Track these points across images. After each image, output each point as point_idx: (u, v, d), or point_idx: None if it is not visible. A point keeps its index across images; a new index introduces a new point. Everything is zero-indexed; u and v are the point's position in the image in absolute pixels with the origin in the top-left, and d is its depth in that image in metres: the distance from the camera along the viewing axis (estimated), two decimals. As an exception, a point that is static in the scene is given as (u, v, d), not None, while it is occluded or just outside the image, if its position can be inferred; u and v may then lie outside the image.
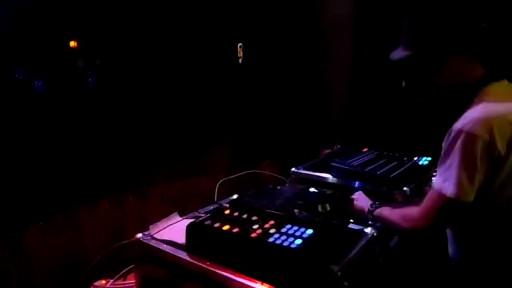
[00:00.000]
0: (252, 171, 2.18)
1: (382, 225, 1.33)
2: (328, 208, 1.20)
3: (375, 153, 2.04)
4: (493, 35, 1.20)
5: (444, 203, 1.08)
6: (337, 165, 1.81)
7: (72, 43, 1.53)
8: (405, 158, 1.95)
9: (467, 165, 1.03)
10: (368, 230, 1.30)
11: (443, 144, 1.11)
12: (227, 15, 2.11)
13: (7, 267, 1.29)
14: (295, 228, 1.10)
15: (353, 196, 1.41)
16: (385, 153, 2.04)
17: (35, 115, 1.37)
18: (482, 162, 1.02)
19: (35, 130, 1.37)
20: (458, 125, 1.06)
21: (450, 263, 1.29)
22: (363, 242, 1.24)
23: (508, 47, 1.70)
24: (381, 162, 1.87)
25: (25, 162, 1.35)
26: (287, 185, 1.55)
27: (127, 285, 1.38)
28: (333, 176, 1.81)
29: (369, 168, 1.77)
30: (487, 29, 1.17)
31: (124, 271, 1.43)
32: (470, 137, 1.03)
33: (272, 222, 1.14)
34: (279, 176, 2.21)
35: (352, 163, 1.83)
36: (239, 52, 2.33)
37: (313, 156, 2.29)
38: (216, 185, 1.99)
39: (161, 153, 1.83)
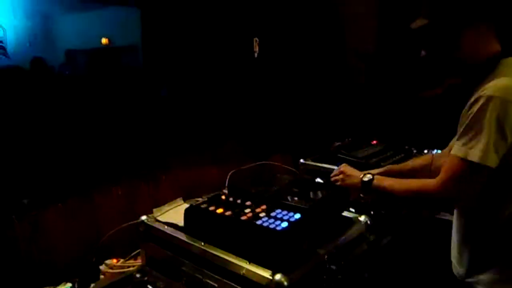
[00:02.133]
0: (263, 162, 2.24)
1: (379, 198, 1.32)
2: (320, 195, 1.24)
3: (383, 145, 2.04)
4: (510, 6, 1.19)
5: (468, 169, 1.05)
6: (343, 156, 1.84)
7: (104, 41, 1.65)
8: (414, 151, 1.95)
9: (498, 130, 1.01)
10: (362, 218, 1.34)
11: (466, 113, 1.08)
12: (244, 10, 2.18)
13: (29, 244, 1.43)
14: (284, 212, 1.15)
15: (339, 168, 1.41)
16: (394, 145, 2.04)
17: (59, 104, 1.50)
18: (510, 128, 1.01)
19: (59, 120, 1.50)
20: (486, 91, 1.03)
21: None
22: (355, 229, 1.28)
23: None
24: (387, 154, 1.88)
25: (47, 149, 1.48)
26: (286, 175, 1.59)
27: (136, 264, 1.49)
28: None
29: (374, 159, 1.79)
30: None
31: (135, 252, 1.54)
32: (503, 103, 1.01)
33: (264, 207, 1.20)
34: (290, 168, 2.26)
35: (357, 155, 1.86)
36: (255, 47, 2.39)
37: (326, 149, 2.32)
38: (227, 175, 2.07)
39: (176, 145, 1.93)
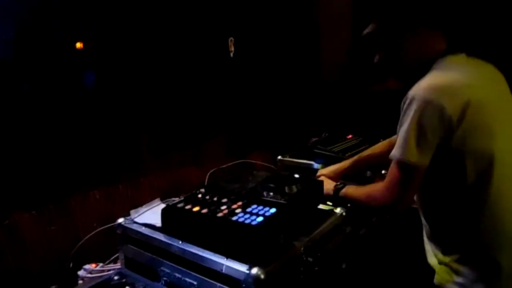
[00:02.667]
0: (242, 160, 2.26)
1: (352, 204, 1.38)
2: (295, 190, 1.26)
3: (359, 139, 2.08)
4: (456, 7, 1.23)
5: (401, 170, 1.11)
6: (319, 151, 1.87)
7: (78, 45, 1.63)
8: (389, 143, 1.99)
9: (418, 130, 1.05)
10: (337, 210, 1.37)
11: (401, 111, 1.13)
12: (219, 10, 2.18)
13: (4, 253, 1.40)
14: (260, 208, 1.17)
15: (316, 176, 1.47)
16: (369, 139, 2.08)
17: (32, 111, 1.47)
18: (433, 127, 1.04)
19: (31, 124, 1.48)
20: (411, 92, 1.08)
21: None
22: (330, 221, 1.31)
23: (471, 20, 1.71)
24: (363, 147, 1.92)
25: (20, 154, 1.45)
26: (262, 172, 1.61)
27: (116, 268, 1.48)
28: (316, 163, 1.88)
29: (349, 153, 1.83)
30: (450, 1, 1.20)
31: (114, 256, 1.53)
32: (421, 102, 1.05)
33: (240, 203, 1.21)
34: (269, 165, 2.28)
35: (333, 149, 1.89)
36: (230, 46, 2.40)
37: (304, 144, 2.35)
38: (207, 174, 2.08)
39: (154, 144, 1.92)
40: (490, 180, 1.08)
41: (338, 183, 1.43)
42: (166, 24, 1.91)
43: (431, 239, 1.25)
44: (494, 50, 1.37)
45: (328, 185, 1.42)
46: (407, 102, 1.09)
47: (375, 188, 1.26)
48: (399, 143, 1.11)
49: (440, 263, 1.20)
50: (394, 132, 1.21)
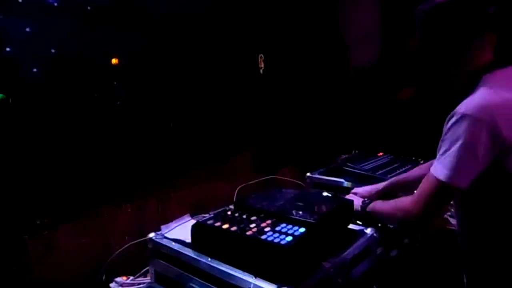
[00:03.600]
0: (271, 176, 2.26)
1: (380, 221, 1.35)
2: (325, 209, 1.25)
3: (390, 157, 2.04)
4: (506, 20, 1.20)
5: (437, 187, 1.07)
6: (349, 169, 1.85)
7: (114, 61, 1.71)
8: (421, 161, 1.94)
9: (468, 149, 1.01)
10: (368, 230, 1.34)
11: (443, 129, 1.09)
12: (250, 28, 2.23)
13: (41, 264, 1.46)
14: (289, 227, 1.16)
15: (346, 197, 1.45)
16: (401, 156, 2.03)
17: (70, 125, 1.54)
18: (485, 148, 1.00)
19: (68, 138, 1.55)
20: (460, 109, 1.04)
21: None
22: (361, 241, 1.28)
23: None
24: (394, 165, 1.88)
25: (57, 168, 1.52)
26: (291, 189, 1.60)
27: (146, 282, 1.51)
28: (346, 180, 1.85)
29: (380, 172, 1.79)
30: (501, 13, 1.17)
31: (144, 269, 1.56)
32: (473, 121, 1.01)
33: (269, 221, 1.21)
34: (297, 182, 2.27)
35: (364, 167, 1.86)
36: (260, 63, 2.44)
37: (333, 161, 2.33)
38: (235, 190, 2.09)
39: (184, 160, 1.96)
40: None
41: (366, 199, 1.41)
42: (199, 42, 1.96)
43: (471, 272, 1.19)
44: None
45: (356, 201, 1.41)
46: (453, 120, 1.04)
47: (403, 200, 1.22)
48: (444, 162, 1.06)
49: None
50: (425, 149, 1.17)
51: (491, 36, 1.15)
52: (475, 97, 1.06)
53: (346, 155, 2.24)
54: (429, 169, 1.40)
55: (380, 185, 1.53)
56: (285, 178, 2.28)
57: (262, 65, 2.44)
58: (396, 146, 2.19)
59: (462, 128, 1.02)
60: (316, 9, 2.65)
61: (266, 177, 2.24)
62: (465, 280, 1.22)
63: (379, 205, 1.34)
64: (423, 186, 1.12)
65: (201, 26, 1.98)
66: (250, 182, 2.16)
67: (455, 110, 1.06)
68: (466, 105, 1.04)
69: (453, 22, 1.14)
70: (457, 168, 1.03)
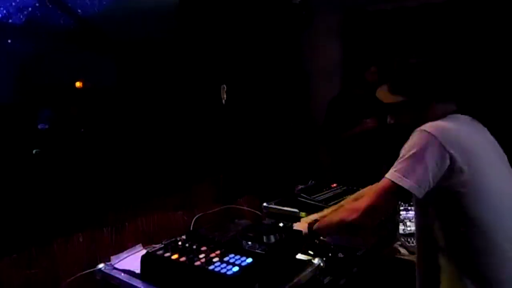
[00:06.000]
0: (228, 206, 2.28)
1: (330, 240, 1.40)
2: (273, 240, 1.29)
3: (342, 188, 2.13)
4: (472, 84, 1.34)
5: (384, 187, 1.16)
6: (303, 199, 1.91)
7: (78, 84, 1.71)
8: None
9: (419, 156, 1.12)
10: (315, 260, 1.38)
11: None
12: (213, 59, 2.30)
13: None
14: (237, 257, 1.19)
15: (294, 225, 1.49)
16: (353, 188, 2.12)
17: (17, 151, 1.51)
18: (434, 160, 1.11)
19: (15, 164, 1.51)
20: (422, 127, 1.17)
21: None
22: (308, 271, 1.32)
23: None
24: (346, 197, 1.96)
25: (5, 196, 1.48)
26: (244, 220, 1.64)
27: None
28: (300, 210, 1.91)
29: (332, 202, 1.87)
30: (468, 79, 1.31)
31: (94, 302, 1.52)
32: (429, 136, 1.13)
33: (218, 252, 1.23)
34: (255, 211, 2.30)
35: (316, 198, 1.93)
36: (223, 94, 2.50)
37: (290, 191, 2.39)
38: (192, 220, 2.09)
39: (144, 188, 1.95)
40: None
41: (311, 221, 1.43)
42: (162, 72, 2.01)
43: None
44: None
45: (302, 226, 1.44)
46: (413, 134, 1.17)
47: (354, 203, 1.31)
48: (397, 166, 1.16)
49: None
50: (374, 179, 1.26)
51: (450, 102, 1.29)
52: (436, 121, 1.20)
53: (302, 186, 2.31)
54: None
55: (325, 212, 1.61)
56: (242, 207, 2.31)
57: (225, 96, 2.51)
58: (348, 177, 2.29)
59: (418, 139, 1.16)
60: (280, 42, 2.78)
61: (224, 207, 2.26)
62: None
63: (324, 220, 1.38)
64: (371, 189, 1.23)
65: (164, 56, 2.03)
66: (208, 212, 2.17)
67: (418, 128, 1.18)
68: (427, 124, 1.18)
69: (427, 81, 1.26)
70: (406, 171, 1.13)
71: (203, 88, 2.29)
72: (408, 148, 1.16)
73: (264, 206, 2.06)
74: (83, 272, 1.48)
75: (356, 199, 1.52)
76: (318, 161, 2.72)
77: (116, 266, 1.37)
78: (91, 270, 1.43)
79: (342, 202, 1.68)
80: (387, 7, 2.86)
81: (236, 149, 2.46)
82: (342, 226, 1.29)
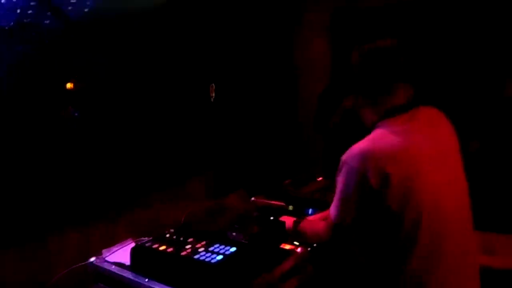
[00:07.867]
0: (219, 200, 2.34)
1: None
2: (256, 230, 1.35)
3: (328, 181, 2.19)
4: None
5: (332, 224, 1.25)
6: (289, 193, 1.97)
7: (69, 85, 1.75)
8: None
9: (344, 193, 1.19)
10: (298, 249, 1.45)
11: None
12: (203, 57, 2.35)
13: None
14: (222, 246, 1.25)
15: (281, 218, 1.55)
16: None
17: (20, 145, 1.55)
18: (357, 192, 1.16)
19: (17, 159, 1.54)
20: (344, 156, 1.20)
21: None
22: (291, 260, 1.39)
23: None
24: (332, 189, 2.02)
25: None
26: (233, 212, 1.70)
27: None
28: (286, 203, 1.97)
29: (317, 195, 1.93)
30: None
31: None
32: (350, 168, 1.16)
33: (203, 242, 1.30)
34: (245, 205, 2.36)
35: (302, 191, 1.99)
36: (211, 92, 2.56)
37: (279, 185, 2.45)
38: (184, 214, 2.15)
39: (134, 184, 2.00)
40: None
41: (297, 218, 1.48)
42: (151, 72, 2.05)
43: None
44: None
45: (288, 221, 1.49)
46: (339, 165, 1.22)
47: (319, 225, 1.37)
48: (333, 204, 1.25)
49: None
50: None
51: (403, 84, 1.29)
52: (360, 143, 1.20)
53: (290, 179, 2.37)
54: None
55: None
56: (233, 202, 2.37)
57: (213, 94, 2.57)
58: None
59: (341, 175, 1.21)
60: (269, 40, 2.83)
61: (215, 201, 2.32)
62: None
63: (304, 225, 1.43)
64: (328, 221, 1.29)
65: (153, 52, 2.07)
66: (199, 206, 2.23)
67: (342, 157, 1.22)
68: (348, 153, 1.20)
69: (370, 68, 1.30)
70: (339, 210, 1.21)
71: (193, 86, 2.34)
72: (337, 185, 1.23)
73: (253, 200, 2.12)
74: (76, 265, 1.54)
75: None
76: (308, 153, 2.78)
77: (107, 259, 1.43)
78: (84, 263, 1.48)
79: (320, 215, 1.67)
80: (379, 3, 2.89)
81: (226, 145, 2.52)
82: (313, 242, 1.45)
